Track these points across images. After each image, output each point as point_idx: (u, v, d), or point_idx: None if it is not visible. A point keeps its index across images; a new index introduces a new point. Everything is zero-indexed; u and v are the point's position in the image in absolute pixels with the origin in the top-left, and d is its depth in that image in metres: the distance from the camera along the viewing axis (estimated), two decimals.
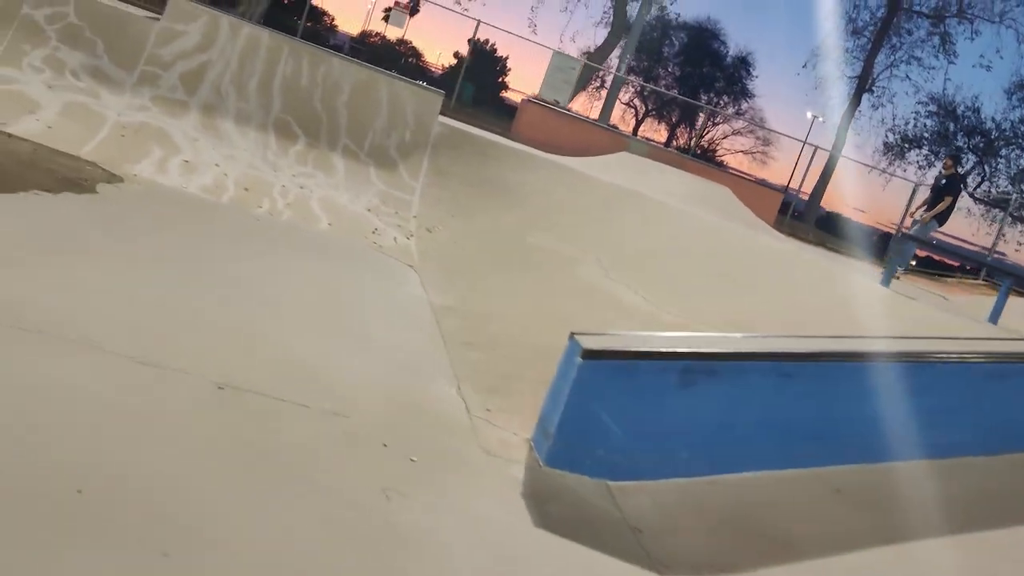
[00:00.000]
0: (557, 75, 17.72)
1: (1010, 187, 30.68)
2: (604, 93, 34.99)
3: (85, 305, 4.49)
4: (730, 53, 49.91)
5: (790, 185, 27.59)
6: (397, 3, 17.27)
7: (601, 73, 39.42)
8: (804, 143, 25.83)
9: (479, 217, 9.98)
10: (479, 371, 5.53)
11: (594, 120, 18.03)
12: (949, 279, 19.82)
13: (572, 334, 4.29)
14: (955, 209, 12.00)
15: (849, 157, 28.60)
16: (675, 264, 8.27)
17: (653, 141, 16.74)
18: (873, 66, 29.11)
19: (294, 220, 8.51)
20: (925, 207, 12.05)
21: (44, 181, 6.83)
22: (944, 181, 11.51)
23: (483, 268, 8.41)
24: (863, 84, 29.25)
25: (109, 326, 4.29)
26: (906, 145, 32.04)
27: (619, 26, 26.84)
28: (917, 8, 29.03)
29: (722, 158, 49.84)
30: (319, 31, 31.85)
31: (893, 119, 30.54)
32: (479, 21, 16.49)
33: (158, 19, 10.07)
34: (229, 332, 4.84)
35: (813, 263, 8.81)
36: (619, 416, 4.20)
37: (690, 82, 47.83)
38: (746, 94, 52.09)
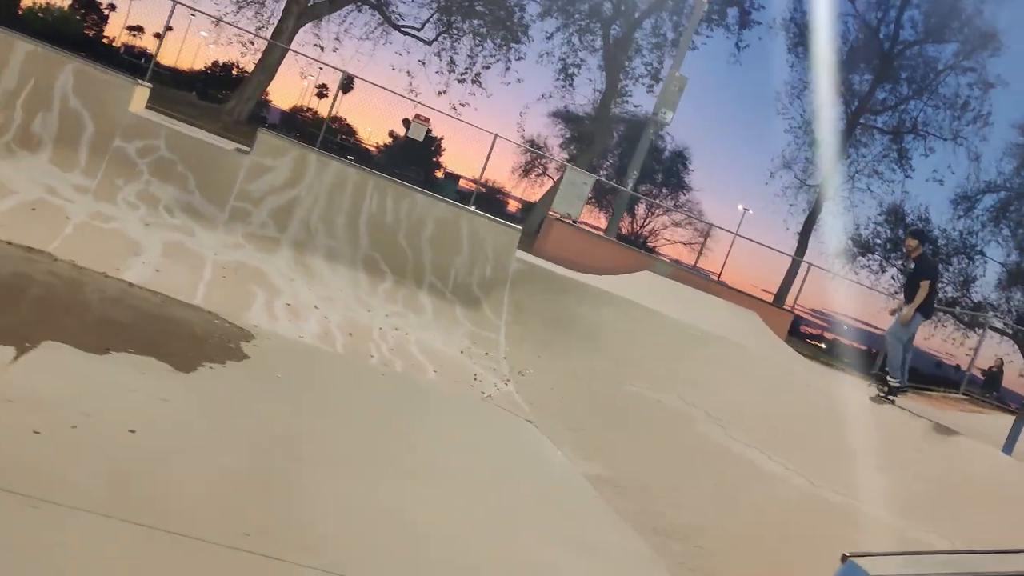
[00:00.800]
0: (570, 190, 18.14)
1: (957, 294, 32.37)
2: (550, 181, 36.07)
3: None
4: (668, 148, 50.97)
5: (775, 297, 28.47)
6: (417, 116, 17.43)
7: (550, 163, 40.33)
8: (735, 234, 26.74)
9: (563, 357, 10.05)
10: (693, 568, 5.55)
11: (621, 240, 18.42)
12: (932, 393, 20.64)
13: (846, 557, 4.34)
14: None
15: (813, 263, 29.76)
16: (787, 421, 8.45)
17: (678, 262, 17.25)
18: (833, 177, 30.65)
19: (406, 370, 8.43)
20: (902, 303, 9.98)
21: (199, 348, 6.66)
22: (913, 265, 9.56)
23: (600, 423, 8.45)
24: (824, 194, 30.73)
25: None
26: (858, 250, 33.57)
27: (603, 131, 27.72)
28: (875, 124, 30.87)
29: (661, 247, 51.32)
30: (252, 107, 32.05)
31: (856, 227, 31.92)
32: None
33: (247, 152, 10.00)
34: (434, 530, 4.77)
35: (914, 427, 8.96)
36: None
37: (583, 155, 49.39)
38: (683, 187, 53.55)
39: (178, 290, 8.05)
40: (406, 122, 20.88)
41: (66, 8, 52.38)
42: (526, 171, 53.56)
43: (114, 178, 9.18)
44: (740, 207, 61.87)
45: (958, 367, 30.38)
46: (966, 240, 31.52)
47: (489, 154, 16.43)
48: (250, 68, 25.75)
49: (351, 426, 6.19)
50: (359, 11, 25.10)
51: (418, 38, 25.86)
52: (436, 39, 26.13)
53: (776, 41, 30.89)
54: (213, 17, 21.51)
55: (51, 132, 9.11)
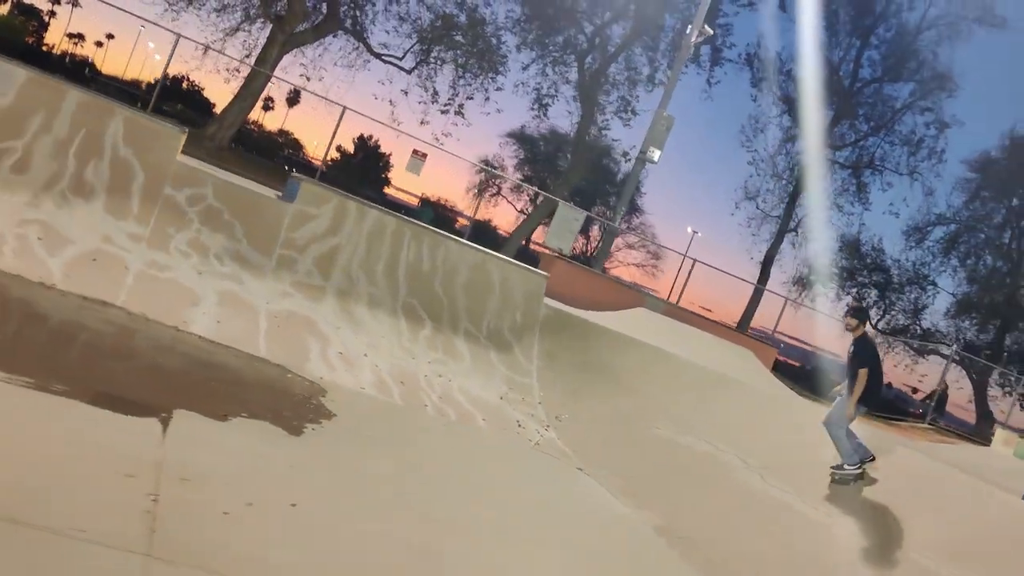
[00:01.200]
0: (563, 225, 18.65)
1: (908, 321, 33.83)
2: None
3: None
4: (622, 171, 51.57)
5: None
6: (415, 151, 17.76)
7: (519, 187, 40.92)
8: (684, 255, 27.66)
9: (593, 402, 10.47)
10: None
11: (617, 278, 18.94)
12: (900, 423, 21.60)
13: None
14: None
15: (773, 291, 30.81)
16: (815, 468, 8.99)
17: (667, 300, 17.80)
18: (795, 209, 31.88)
19: (459, 419, 8.77)
20: (845, 386, 8.72)
21: (292, 407, 6.92)
22: (852, 348, 8.46)
23: (643, 470, 8.87)
24: (785, 225, 31.91)
25: None
26: (813, 279, 34.82)
27: (579, 161, 28.33)
28: (835, 159, 32.17)
29: (615, 269, 52.25)
30: (196, 118, 31.95)
31: (814, 257, 33.14)
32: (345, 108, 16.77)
33: (290, 201, 10.24)
34: None
35: (932, 470, 9.55)
36: None
37: (583, 194, 50.01)
38: (635, 209, 54.29)
39: (241, 341, 8.28)
40: (361, 139, 21.06)
41: (5, 14, 51.22)
42: (480, 190, 54.09)
43: (165, 226, 9.33)
44: (689, 229, 63.08)
45: (914, 390, 31.68)
46: (918, 270, 33.00)
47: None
48: (213, 87, 25.73)
49: (451, 484, 6.51)
50: (339, 39, 25.30)
51: (399, 67, 26.17)
52: (416, 67, 26.48)
53: (741, 76, 32.03)
54: (201, 44, 21.50)
55: (103, 180, 9.22)
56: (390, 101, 24.91)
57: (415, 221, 11.02)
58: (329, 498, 5.17)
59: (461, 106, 25.60)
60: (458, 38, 26.54)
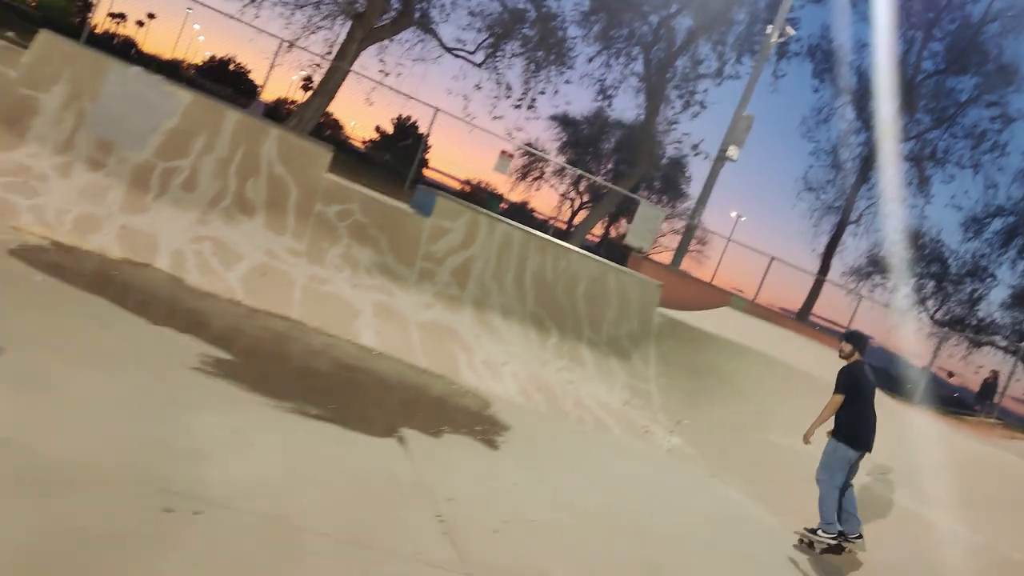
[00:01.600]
0: (643, 224, 19.11)
1: (965, 312, 33.90)
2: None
3: None
4: (666, 154, 50.86)
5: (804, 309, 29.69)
6: (503, 152, 18.28)
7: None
8: (728, 239, 28.01)
9: (709, 408, 11.00)
10: None
11: (701, 279, 19.38)
12: (969, 418, 21.86)
13: None
14: (863, 414, 7.40)
15: (832, 281, 31.04)
16: (933, 473, 9.46)
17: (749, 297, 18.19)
18: (856, 201, 32.00)
19: (595, 426, 9.34)
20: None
21: (477, 422, 7.53)
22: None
23: (768, 478, 9.40)
24: (846, 216, 32.05)
25: None
26: (871, 269, 34.95)
27: (646, 154, 28.63)
28: (900, 151, 32.17)
29: (659, 255, 52.38)
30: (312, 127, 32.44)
31: (875, 248, 33.27)
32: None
33: (427, 216, 10.81)
34: None
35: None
36: None
37: (627, 178, 49.66)
38: (680, 195, 53.93)
39: (402, 352, 8.91)
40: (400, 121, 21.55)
41: None
42: (524, 174, 54.29)
43: (319, 241, 9.96)
44: (733, 214, 62.86)
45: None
46: (977, 262, 33.02)
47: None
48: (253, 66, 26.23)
49: (631, 495, 7.10)
50: (413, 34, 25.80)
51: (470, 61, 26.64)
52: (485, 61, 26.92)
53: (803, 67, 32.05)
54: (287, 41, 22.11)
55: (262, 197, 9.85)
56: (464, 96, 25.33)
57: (539, 233, 11.55)
58: (553, 513, 5.77)
59: (533, 100, 26.05)
60: (527, 32, 26.92)
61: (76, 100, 9.32)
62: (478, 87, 26.60)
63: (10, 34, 15.19)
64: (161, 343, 6.09)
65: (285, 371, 6.89)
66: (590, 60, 28.07)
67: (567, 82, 27.20)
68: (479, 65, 26.89)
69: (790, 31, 20.24)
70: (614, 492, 6.97)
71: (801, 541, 7.32)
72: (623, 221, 52.44)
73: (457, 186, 51.85)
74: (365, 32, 23.90)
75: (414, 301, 10.09)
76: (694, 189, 48.94)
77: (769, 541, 7.49)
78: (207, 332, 6.87)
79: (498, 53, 27.15)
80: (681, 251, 19.49)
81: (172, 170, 9.52)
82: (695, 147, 26.35)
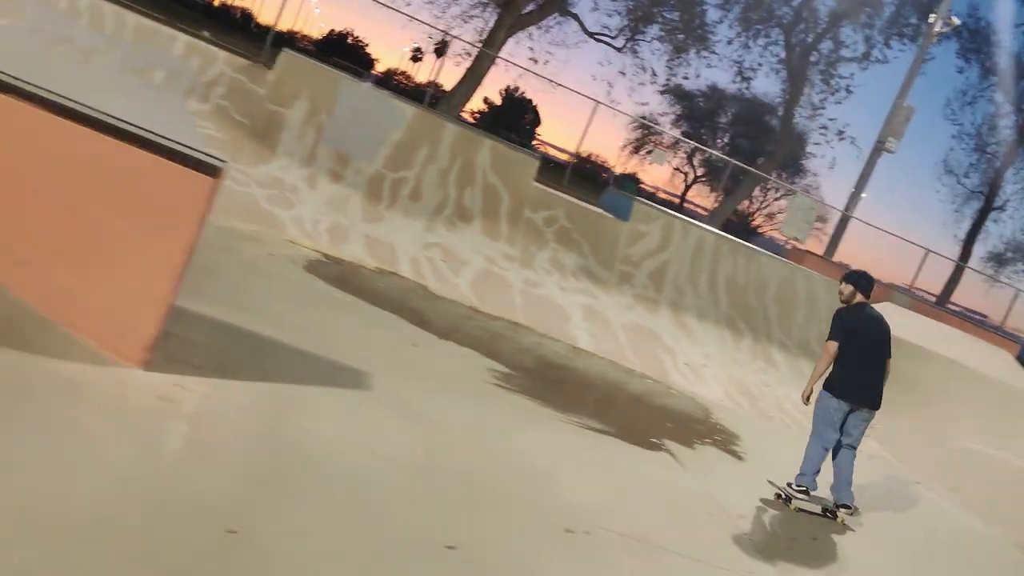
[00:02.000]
0: (798, 215, 19.10)
1: None
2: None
3: None
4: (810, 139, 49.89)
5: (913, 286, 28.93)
6: (659, 144, 18.58)
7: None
8: (851, 216, 27.26)
9: (899, 412, 11.12)
10: None
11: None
12: None
13: None
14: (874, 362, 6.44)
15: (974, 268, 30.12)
16: None
17: (915, 290, 18.03)
18: (1001, 184, 30.88)
19: (797, 429, 9.69)
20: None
21: (712, 430, 8.03)
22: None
23: (970, 484, 9.57)
24: (990, 200, 30.97)
25: None
26: (1010, 254, 33.66)
27: (786, 138, 28.35)
28: None
29: (773, 232, 51.25)
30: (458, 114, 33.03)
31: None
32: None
33: (625, 220, 11.30)
34: None
35: None
36: None
37: (744, 153, 48.33)
38: (801, 170, 52.32)
39: (615, 354, 9.45)
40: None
41: None
42: (636, 148, 53.80)
43: (529, 246, 10.58)
44: (853, 189, 60.73)
45: None
46: None
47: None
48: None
49: (874, 509, 7.48)
50: (557, 19, 26.18)
51: (611, 45, 26.87)
52: (625, 46, 27.10)
53: (948, 48, 30.95)
54: (440, 31, 22.87)
55: (478, 205, 10.52)
56: (608, 83, 25.63)
57: (732, 237, 11.89)
58: (824, 535, 6.23)
59: (679, 85, 26.14)
60: (668, 15, 26.92)
61: (315, 115, 10.14)
62: (622, 73, 26.52)
63: (206, 33, 16.28)
64: (456, 359, 6.80)
65: (552, 382, 7.54)
66: (729, 42, 27.72)
67: (709, 66, 26.96)
68: (619, 50, 27.10)
69: (954, 20, 19.69)
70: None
71: (778, 496, 6.40)
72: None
73: (567, 158, 51.76)
74: (513, 20, 24.42)
75: (616, 303, 10.62)
76: (812, 165, 47.24)
77: (977, 550, 7.75)
78: (480, 345, 7.56)
79: (638, 37, 27.28)
80: (835, 241, 19.39)
81: (400, 180, 10.28)
82: (840, 133, 25.88)
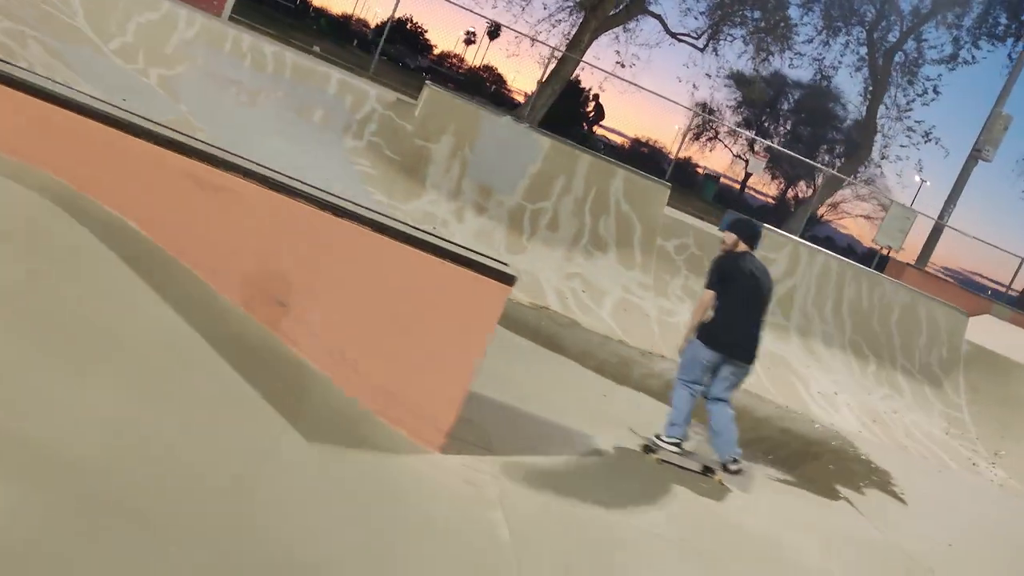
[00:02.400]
0: (894, 223, 19.10)
1: None
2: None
3: None
4: (850, 116, 47.52)
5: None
6: (756, 153, 18.68)
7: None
8: (920, 213, 26.84)
9: (1010, 437, 11.29)
10: None
11: (948, 279, 19.28)
12: None
13: None
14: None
15: None
16: None
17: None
18: None
19: (933, 460, 9.89)
20: None
21: (869, 470, 8.30)
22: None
23: None
24: None
25: None
26: None
27: (868, 138, 28.14)
28: None
29: (840, 221, 50.51)
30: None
31: None
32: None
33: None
34: None
35: None
36: None
37: (805, 141, 47.26)
38: (861, 160, 50.98)
39: (754, 385, 9.72)
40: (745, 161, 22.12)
41: None
42: (696, 135, 53.25)
43: (662, 274, 10.89)
44: (917, 178, 59.78)
45: None
46: None
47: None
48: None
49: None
50: (640, 20, 26.28)
51: (693, 45, 26.89)
52: (707, 46, 27.09)
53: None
54: (527, 36, 23.16)
55: (612, 234, 10.85)
56: (693, 85, 25.69)
57: (856, 264, 12.06)
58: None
59: (740, 71, 26.08)
60: (750, 15, 26.83)
61: (459, 149, 10.55)
62: (708, 76, 26.61)
63: (316, 48, 16.78)
64: (635, 405, 7.18)
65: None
66: (809, 41, 27.54)
67: (791, 66, 26.81)
68: (702, 50, 27.11)
69: None
70: None
71: (646, 449, 5.99)
72: (801, 183, 50.87)
73: (626, 143, 51.24)
74: (599, 22, 24.58)
75: None
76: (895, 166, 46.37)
77: None
78: (646, 386, 7.92)
79: (720, 36, 27.25)
80: (928, 251, 19.35)
81: (539, 211, 10.65)
82: (927, 134, 25.64)
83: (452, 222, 10.06)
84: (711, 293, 5.97)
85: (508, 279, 4.35)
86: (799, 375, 10.52)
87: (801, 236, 15.90)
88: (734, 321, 5.97)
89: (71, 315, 3.33)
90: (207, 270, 4.06)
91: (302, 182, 4.28)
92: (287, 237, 4.20)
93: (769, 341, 10.70)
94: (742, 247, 6.22)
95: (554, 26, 24.99)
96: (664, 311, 10.49)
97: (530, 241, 10.45)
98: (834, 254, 12.01)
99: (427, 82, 11.08)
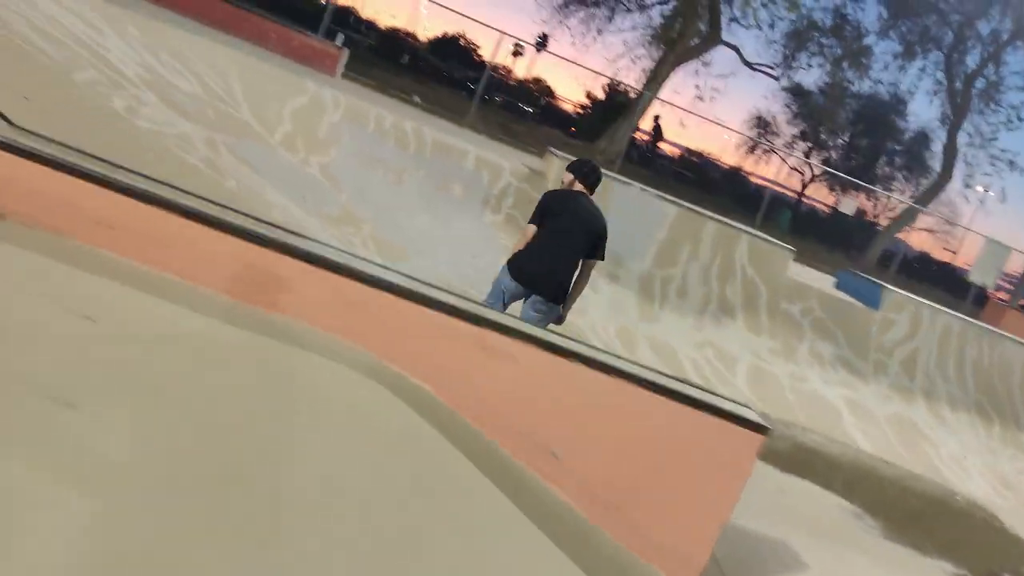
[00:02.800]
0: (989, 260, 18.98)
1: None
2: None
3: None
4: (910, 128, 46.08)
5: None
6: (846, 190, 18.71)
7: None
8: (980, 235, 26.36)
9: None
10: None
11: None
12: None
13: None
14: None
15: None
16: None
17: None
18: None
19: None
20: None
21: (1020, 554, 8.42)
22: None
23: None
24: None
25: None
26: None
27: (948, 164, 27.92)
28: None
29: (902, 234, 49.50)
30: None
31: None
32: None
33: (875, 309, 11.67)
34: None
35: None
36: None
37: (864, 153, 45.92)
38: (925, 170, 49.80)
39: (888, 453, 9.87)
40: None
41: None
42: (751, 148, 52.73)
43: (789, 338, 11.07)
44: (979, 188, 58.51)
45: None
46: None
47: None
48: None
49: None
50: (716, 52, 26.43)
51: (769, 75, 26.97)
52: (782, 75, 27.13)
53: None
54: (607, 77, 23.46)
55: (738, 299, 11.07)
56: (773, 118, 25.73)
57: (974, 321, 12.11)
58: None
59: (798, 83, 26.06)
60: (824, 41, 26.83)
61: None
62: (786, 106, 26.66)
63: (416, 99, 17.20)
64: (813, 499, 7.41)
65: (882, 508, 8.07)
66: (885, 67, 27.45)
67: (869, 91, 26.72)
68: (777, 78, 27.16)
69: None
70: None
71: None
72: (859, 195, 49.85)
73: (678, 152, 50.51)
74: (677, 56, 24.79)
75: (874, 393, 11.03)
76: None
77: None
78: (811, 472, 8.14)
79: (794, 63, 27.28)
80: (1019, 291, 19.18)
81: (668, 278, 10.91)
82: (1012, 163, 25.39)
83: (587, 292, 10.34)
84: (532, 227, 5.86)
85: (763, 430, 4.63)
86: (928, 439, 10.63)
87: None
88: (541, 255, 5.80)
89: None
90: (490, 427, 4.40)
91: (573, 340, 4.61)
92: (559, 391, 4.53)
93: (896, 405, 10.88)
94: (578, 187, 6.08)
95: (634, 62, 25.24)
96: (796, 377, 10.67)
97: (661, 309, 10.71)
98: (953, 312, 12.08)
99: (550, 149, 11.40)
